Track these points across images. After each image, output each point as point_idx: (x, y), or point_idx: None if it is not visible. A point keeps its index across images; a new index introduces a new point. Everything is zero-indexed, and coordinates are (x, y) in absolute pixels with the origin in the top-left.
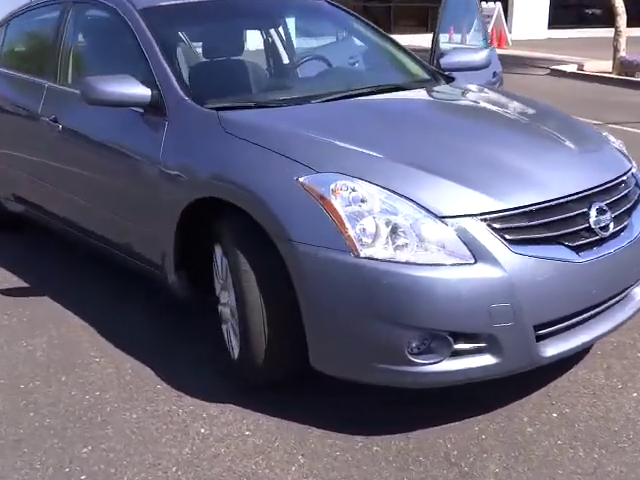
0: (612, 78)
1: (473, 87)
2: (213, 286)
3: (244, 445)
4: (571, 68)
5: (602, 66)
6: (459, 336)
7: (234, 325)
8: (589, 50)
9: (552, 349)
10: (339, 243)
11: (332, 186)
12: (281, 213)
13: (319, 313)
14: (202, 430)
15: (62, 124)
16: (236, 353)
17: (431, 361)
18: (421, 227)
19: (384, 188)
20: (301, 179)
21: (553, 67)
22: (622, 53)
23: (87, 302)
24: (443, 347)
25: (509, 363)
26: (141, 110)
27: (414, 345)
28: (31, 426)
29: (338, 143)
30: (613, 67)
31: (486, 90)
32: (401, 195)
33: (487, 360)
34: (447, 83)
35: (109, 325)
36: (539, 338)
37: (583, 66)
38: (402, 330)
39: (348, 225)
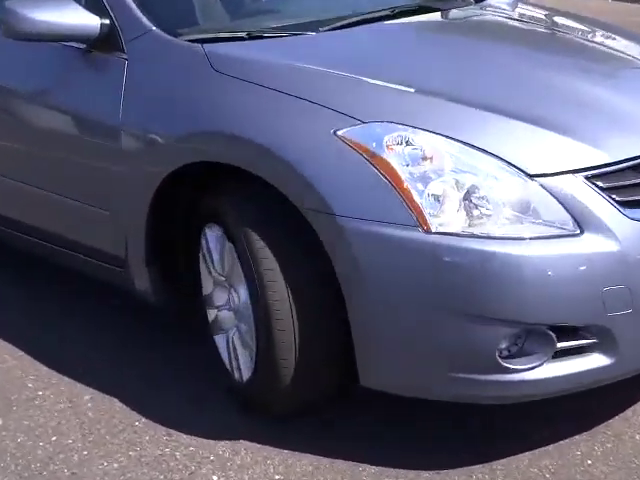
0: None
1: (514, 6)
2: (194, 286)
3: None
4: None
5: None
6: (562, 331)
7: (242, 335)
8: None
9: None
10: (401, 215)
11: (385, 139)
12: (316, 179)
13: (374, 312)
14: (215, 478)
15: None
16: (246, 374)
17: (528, 366)
18: (507, 190)
19: (454, 139)
20: (340, 132)
21: None
22: None
23: (17, 316)
24: (543, 346)
25: (626, 363)
26: (83, 46)
27: (505, 346)
28: None
29: (378, 82)
30: None
31: (531, 9)
32: (478, 148)
33: (598, 361)
34: (476, 2)
35: (50, 346)
36: None
37: None
38: (491, 327)
39: (412, 190)
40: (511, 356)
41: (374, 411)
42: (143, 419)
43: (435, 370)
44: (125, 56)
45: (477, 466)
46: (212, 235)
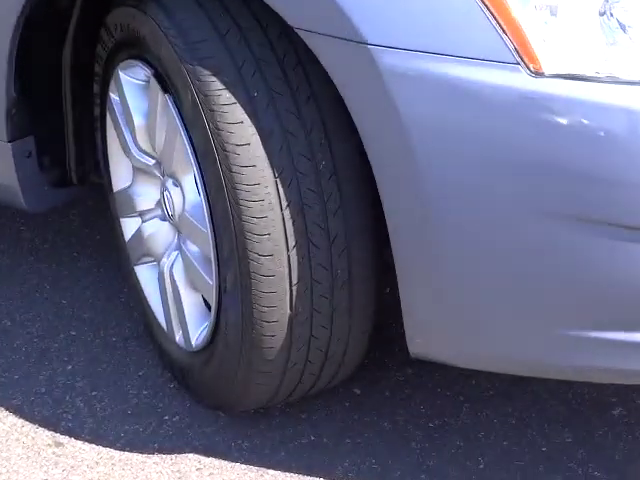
0: None
1: None
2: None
3: None
4: None
5: None
6: None
7: (190, 266)
8: None
9: None
10: (487, 45)
11: None
12: None
13: (434, 221)
14: None
15: None
16: (195, 335)
17: None
18: None
19: None
20: None
21: None
22: None
23: None
24: None
25: None
26: None
27: None
28: None
29: None
30: None
31: None
32: None
33: None
34: None
35: None
36: None
37: None
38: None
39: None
40: None
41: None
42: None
43: (540, 324)
44: None
45: None
46: (131, 82)
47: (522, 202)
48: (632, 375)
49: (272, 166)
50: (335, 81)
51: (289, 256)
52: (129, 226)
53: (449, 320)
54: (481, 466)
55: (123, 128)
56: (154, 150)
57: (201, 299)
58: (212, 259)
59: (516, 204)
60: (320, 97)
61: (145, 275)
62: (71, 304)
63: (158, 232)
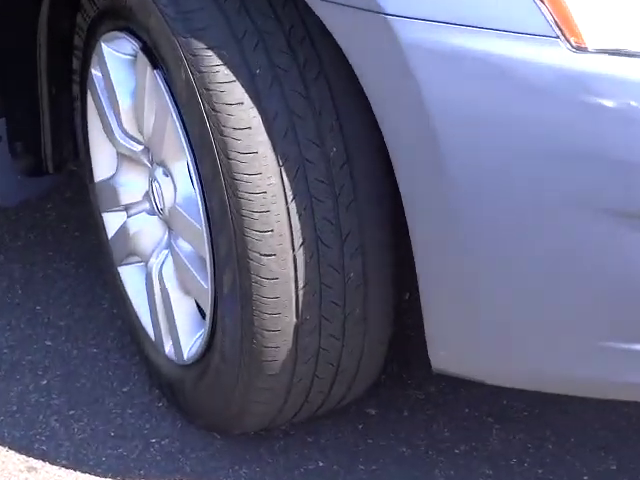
0: None
1: None
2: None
3: None
4: None
5: None
6: None
7: (181, 267)
8: None
9: None
10: (522, 17)
11: None
12: None
13: (461, 214)
14: None
15: None
16: (187, 346)
17: None
18: None
19: None
20: None
21: None
22: None
23: None
24: None
25: None
26: None
27: None
28: None
29: None
30: None
31: None
32: None
33: None
34: None
35: None
36: None
37: None
38: None
39: None
40: None
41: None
42: None
43: (582, 335)
44: None
45: None
46: (116, 57)
47: (562, 197)
48: None
49: (276, 153)
50: (348, 57)
51: (295, 256)
52: (112, 221)
53: (478, 330)
54: None
55: (106, 109)
56: (142, 134)
57: (194, 305)
58: (207, 259)
59: (555, 199)
60: (331, 75)
61: (130, 277)
62: (46, 310)
63: (146, 228)
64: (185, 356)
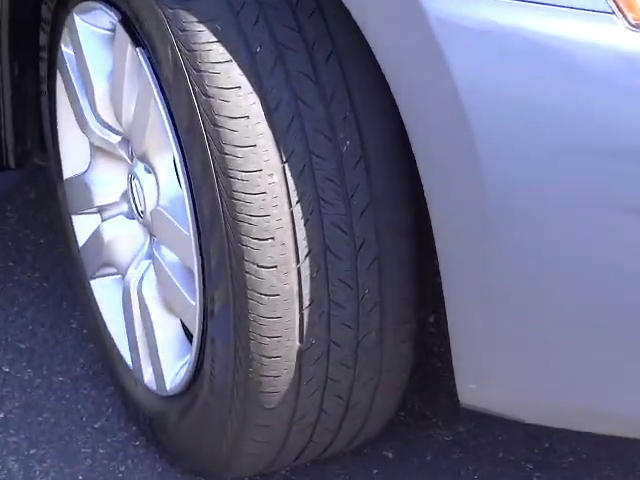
0: None
1: None
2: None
3: None
4: None
5: None
6: None
7: (164, 282)
8: None
9: None
10: None
11: None
12: None
13: (503, 233)
14: None
15: None
16: (171, 376)
17: None
18: None
19: None
20: None
21: None
22: None
23: None
24: None
25: None
26: None
27: None
28: None
29: None
30: None
31: None
32: None
33: None
34: None
35: None
36: None
37: None
38: None
39: None
40: None
41: None
42: None
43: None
44: None
45: None
46: (91, 31)
47: (618, 200)
48: None
49: (278, 147)
50: (365, 33)
51: (299, 269)
52: (84, 226)
53: (514, 359)
54: None
55: (79, 93)
56: (120, 123)
57: (179, 325)
58: (195, 271)
59: (610, 203)
60: (344, 55)
61: (104, 292)
62: (4, 330)
63: (123, 234)
64: (168, 386)
